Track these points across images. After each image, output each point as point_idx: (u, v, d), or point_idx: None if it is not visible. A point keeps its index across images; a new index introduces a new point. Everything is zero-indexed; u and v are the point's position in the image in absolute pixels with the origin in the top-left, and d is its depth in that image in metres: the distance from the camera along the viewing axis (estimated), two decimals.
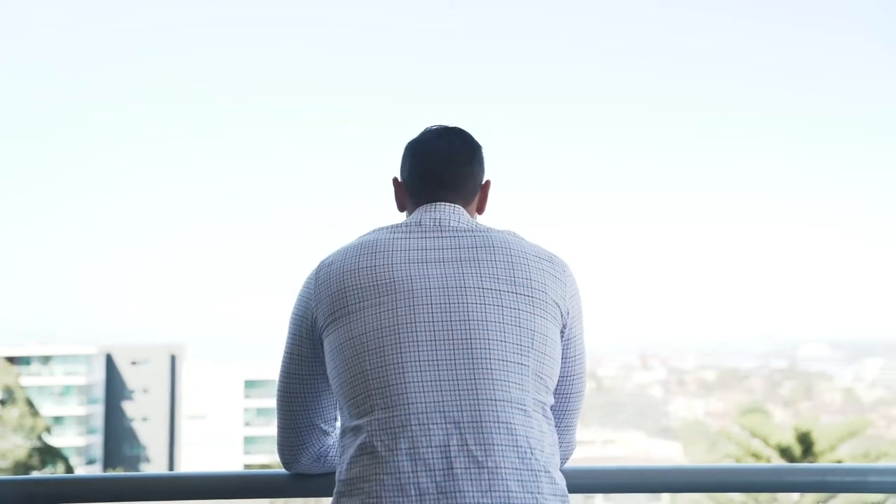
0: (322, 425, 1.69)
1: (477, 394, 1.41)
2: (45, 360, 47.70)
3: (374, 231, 1.61)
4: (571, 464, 1.88)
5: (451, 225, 1.61)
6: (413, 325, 1.47)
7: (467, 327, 1.45)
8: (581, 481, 1.88)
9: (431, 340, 1.44)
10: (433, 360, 1.43)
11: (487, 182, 1.71)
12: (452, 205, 1.65)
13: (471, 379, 1.41)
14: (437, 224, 1.60)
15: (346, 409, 1.52)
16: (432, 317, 1.47)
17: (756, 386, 62.20)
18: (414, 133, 1.72)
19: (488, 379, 1.42)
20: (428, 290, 1.48)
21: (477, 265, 1.52)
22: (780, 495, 19.16)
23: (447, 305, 1.47)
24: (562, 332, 1.59)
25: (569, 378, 1.66)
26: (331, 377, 1.56)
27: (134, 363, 50.41)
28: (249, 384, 52.24)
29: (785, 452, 20.79)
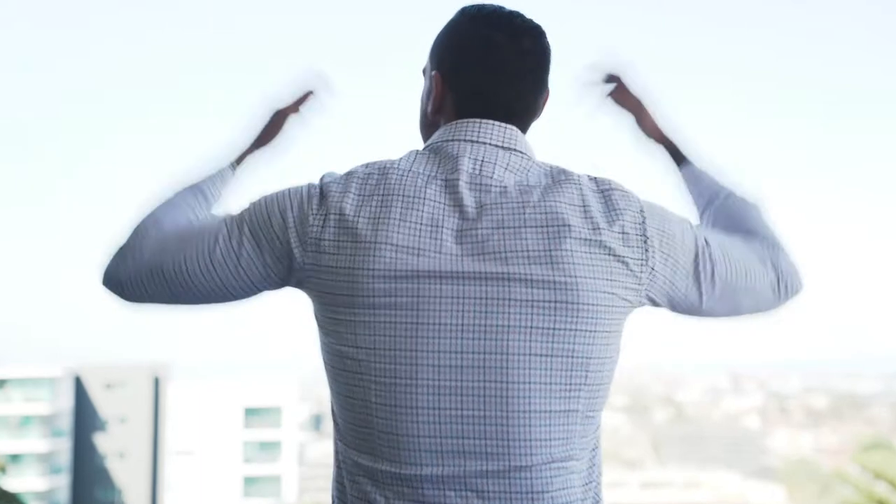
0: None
1: (509, 458, 1.19)
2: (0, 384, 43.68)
3: (417, 162, 1.26)
4: None
5: (496, 181, 1.23)
6: (436, 354, 1.18)
7: (503, 365, 1.18)
8: None
9: (457, 381, 1.18)
10: (456, 409, 1.18)
11: (547, 93, 1.36)
12: (508, 128, 1.28)
13: (503, 438, 1.19)
14: (478, 179, 1.23)
15: (345, 422, 1.26)
16: (461, 345, 1.19)
17: (880, 415, 57.21)
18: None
19: (525, 439, 1.19)
20: (460, 303, 1.19)
21: (517, 262, 1.19)
22: None
23: (481, 331, 1.19)
24: (653, 302, 1.29)
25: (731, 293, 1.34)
26: (323, 360, 1.27)
27: (108, 387, 45.78)
28: (251, 412, 49.22)
29: None
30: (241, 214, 1.26)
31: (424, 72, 1.37)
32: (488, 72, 1.28)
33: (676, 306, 1.31)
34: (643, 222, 1.24)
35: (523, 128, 1.32)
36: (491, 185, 1.23)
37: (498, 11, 1.31)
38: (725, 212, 1.45)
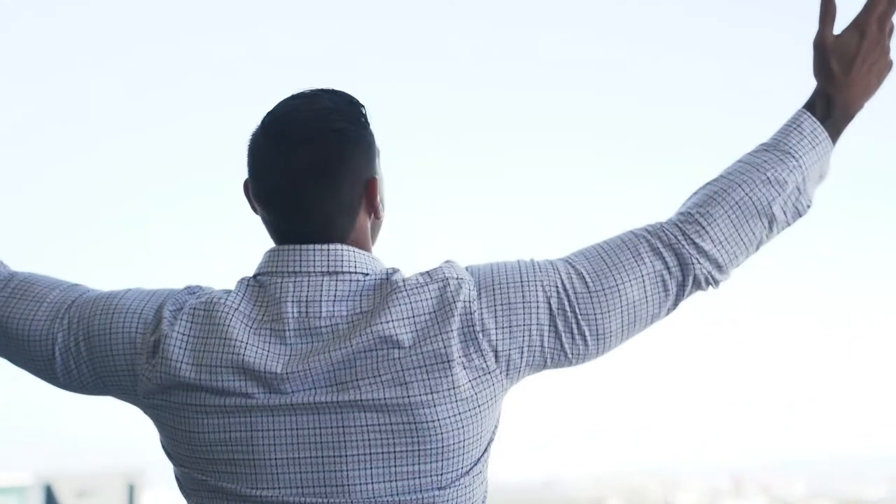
0: None
1: None
2: None
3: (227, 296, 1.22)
4: None
5: (325, 319, 1.18)
6: (277, 491, 1.18)
7: (345, 490, 1.17)
8: None
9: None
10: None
11: (373, 181, 1.24)
12: (332, 250, 1.21)
13: None
14: (306, 324, 1.18)
15: None
16: (300, 479, 1.18)
17: None
18: None
19: None
20: (294, 435, 1.17)
21: (349, 390, 1.16)
22: None
23: (318, 463, 1.18)
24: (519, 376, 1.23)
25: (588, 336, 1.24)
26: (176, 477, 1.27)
27: (81, 495, 41.40)
28: None
29: None
30: (78, 325, 1.24)
31: None
32: (260, 186, 1.23)
33: (545, 367, 1.22)
34: (472, 311, 1.17)
35: (348, 232, 1.22)
36: (321, 328, 1.18)
37: (279, 109, 1.23)
38: (754, 180, 1.24)
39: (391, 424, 1.15)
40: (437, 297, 1.17)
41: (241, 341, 1.16)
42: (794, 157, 1.25)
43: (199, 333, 1.19)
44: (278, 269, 1.21)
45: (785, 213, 1.25)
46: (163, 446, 1.25)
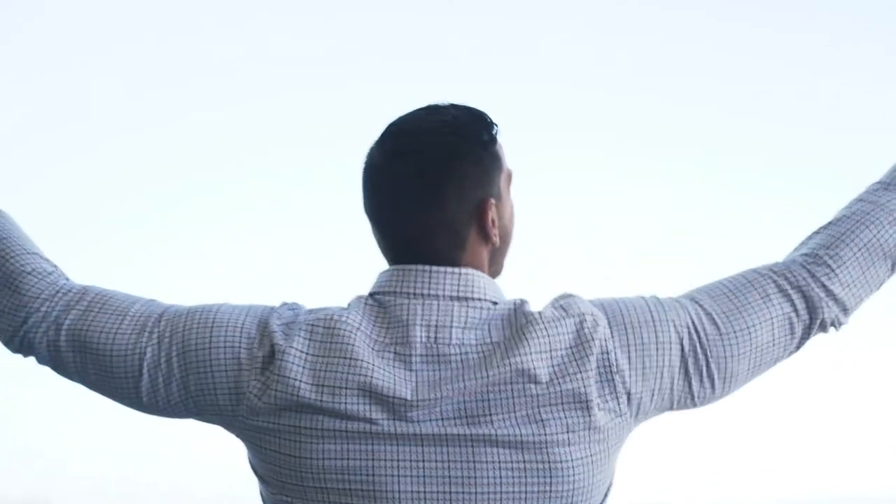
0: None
1: None
2: None
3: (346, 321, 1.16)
4: None
5: (454, 346, 1.15)
6: None
7: None
8: None
9: None
10: None
11: (485, 202, 1.17)
12: (463, 274, 1.17)
13: None
14: (435, 350, 1.14)
15: None
16: None
17: None
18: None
19: None
20: (420, 468, 1.13)
21: (481, 423, 1.13)
22: None
23: (445, 498, 1.14)
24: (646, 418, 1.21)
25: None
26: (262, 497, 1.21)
27: None
28: None
29: None
30: (171, 339, 1.16)
31: None
32: (367, 195, 1.18)
33: (671, 409, 1.20)
34: (608, 351, 1.14)
35: (456, 253, 1.16)
36: (450, 356, 1.13)
37: (399, 119, 1.19)
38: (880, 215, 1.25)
39: (525, 462, 1.12)
40: (574, 333, 1.15)
41: (369, 363, 1.12)
42: None
43: (319, 352, 1.13)
44: (404, 290, 1.16)
45: None
46: (256, 471, 1.19)
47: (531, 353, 1.13)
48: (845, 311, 1.24)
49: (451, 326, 1.14)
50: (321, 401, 1.10)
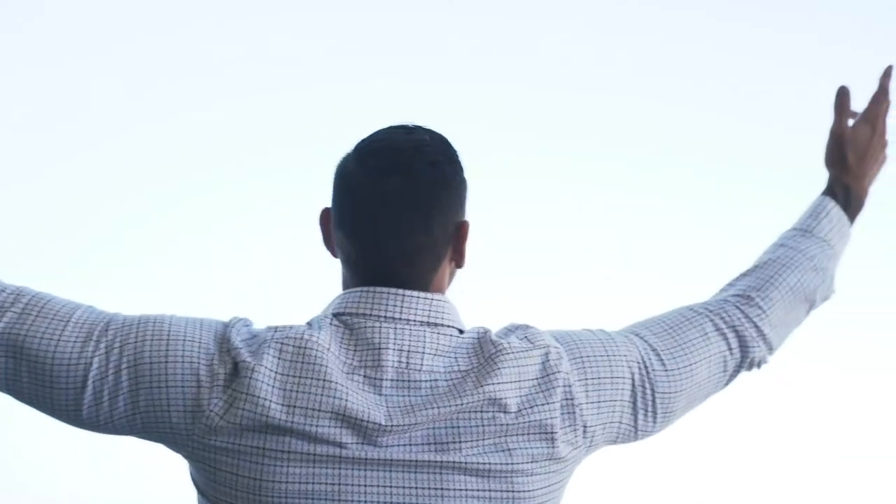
0: None
1: None
2: None
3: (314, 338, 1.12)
4: None
5: (425, 373, 1.12)
6: None
7: None
8: None
9: None
10: None
11: (464, 225, 1.19)
12: (435, 300, 1.16)
13: None
14: (406, 375, 1.12)
15: None
16: None
17: None
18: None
19: None
20: (387, 493, 1.10)
21: (451, 450, 1.11)
22: None
23: None
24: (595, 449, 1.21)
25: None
26: None
27: None
28: None
29: None
30: (121, 351, 1.09)
31: None
32: (347, 213, 1.15)
33: (613, 443, 1.22)
34: (570, 384, 1.15)
35: (431, 275, 1.16)
36: (420, 382, 1.11)
37: (375, 136, 1.17)
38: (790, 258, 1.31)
39: (490, 491, 1.11)
40: (540, 366, 1.14)
41: (343, 386, 1.08)
42: (829, 245, 1.33)
43: (290, 371, 1.08)
44: (374, 313, 1.13)
45: (819, 298, 1.33)
46: (203, 491, 1.14)
47: (502, 383, 1.11)
48: (771, 350, 1.29)
49: (424, 353, 1.12)
50: (292, 422, 1.06)
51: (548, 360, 1.14)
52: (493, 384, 1.11)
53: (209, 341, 1.10)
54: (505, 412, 1.11)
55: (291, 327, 1.11)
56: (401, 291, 1.13)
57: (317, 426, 1.06)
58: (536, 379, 1.13)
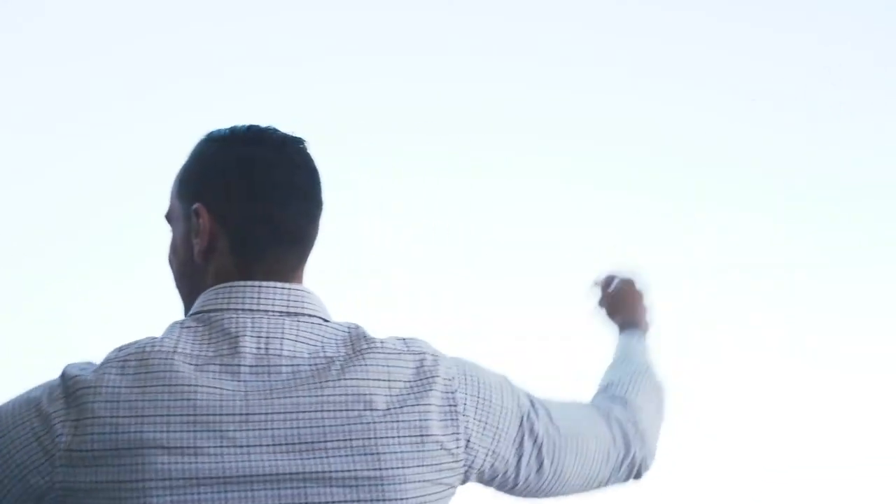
0: None
1: None
2: None
3: (162, 346, 1.08)
4: None
5: (286, 358, 1.09)
6: None
7: None
8: None
9: None
10: None
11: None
12: (293, 290, 1.14)
13: None
14: (265, 360, 1.08)
15: None
16: None
17: None
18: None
19: None
20: None
21: (313, 456, 1.07)
22: None
23: None
24: (475, 478, 1.18)
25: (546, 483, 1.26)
26: None
27: None
28: None
29: None
30: None
31: (170, 218, 1.24)
32: (264, 196, 1.13)
33: (493, 480, 1.19)
34: (454, 391, 1.13)
35: (303, 260, 1.17)
36: (281, 367, 1.08)
37: (252, 128, 1.17)
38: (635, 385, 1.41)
39: (358, 502, 1.07)
40: (413, 369, 1.12)
41: (190, 385, 1.05)
42: (650, 364, 1.47)
43: (134, 384, 1.05)
44: (231, 307, 1.12)
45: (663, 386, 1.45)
46: None
47: (369, 379, 1.09)
48: (651, 455, 1.35)
49: (283, 338, 1.10)
50: (142, 433, 1.02)
51: (422, 366, 1.12)
52: (357, 378, 1.08)
53: (33, 398, 1.06)
54: (372, 410, 1.07)
55: (135, 342, 1.09)
56: (256, 283, 1.12)
57: (167, 432, 1.02)
58: (409, 381, 1.10)
